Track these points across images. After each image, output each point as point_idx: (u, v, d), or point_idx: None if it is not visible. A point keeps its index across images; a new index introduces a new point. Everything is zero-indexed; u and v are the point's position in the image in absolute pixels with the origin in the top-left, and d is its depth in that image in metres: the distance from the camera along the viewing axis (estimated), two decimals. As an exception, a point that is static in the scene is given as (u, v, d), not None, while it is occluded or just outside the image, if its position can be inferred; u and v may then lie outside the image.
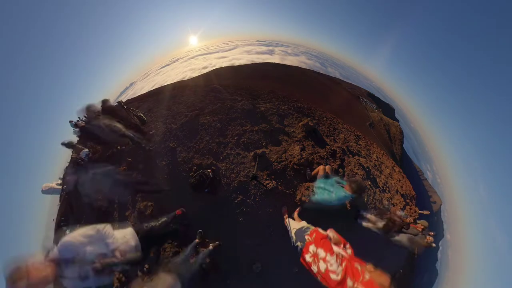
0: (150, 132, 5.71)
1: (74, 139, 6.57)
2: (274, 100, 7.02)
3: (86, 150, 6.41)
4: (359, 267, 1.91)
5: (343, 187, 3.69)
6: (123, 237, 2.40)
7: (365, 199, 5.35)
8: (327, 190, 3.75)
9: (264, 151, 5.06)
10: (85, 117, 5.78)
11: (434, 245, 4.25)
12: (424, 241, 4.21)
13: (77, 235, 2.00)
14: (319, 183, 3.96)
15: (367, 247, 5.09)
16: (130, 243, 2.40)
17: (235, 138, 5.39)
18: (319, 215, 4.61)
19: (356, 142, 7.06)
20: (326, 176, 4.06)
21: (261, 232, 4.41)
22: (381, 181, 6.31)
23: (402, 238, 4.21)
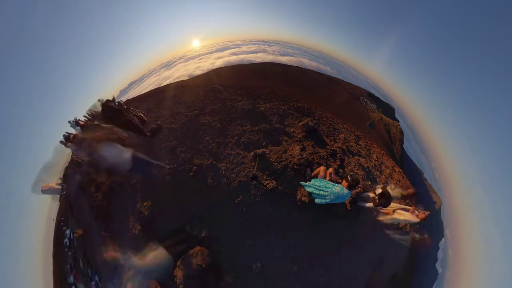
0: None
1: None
2: (274, 100, 7.02)
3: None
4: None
5: (340, 183, 3.80)
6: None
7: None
8: (320, 190, 3.85)
9: (264, 151, 5.06)
10: (85, 117, 5.77)
11: (427, 213, 4.17)
12: (421, 237, 4.27)
13: None
14: (310, 184, 4.06)
15: (367, 248, 5.11)
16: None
17: (235, 138, 5.39)
18: (319, 215, 4.63)
19: (356, 142, 7.06)
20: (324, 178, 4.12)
21: (261, 232, 4.41)
22: (381, 181, 6.31)
23: (404, 237, 4.27)
